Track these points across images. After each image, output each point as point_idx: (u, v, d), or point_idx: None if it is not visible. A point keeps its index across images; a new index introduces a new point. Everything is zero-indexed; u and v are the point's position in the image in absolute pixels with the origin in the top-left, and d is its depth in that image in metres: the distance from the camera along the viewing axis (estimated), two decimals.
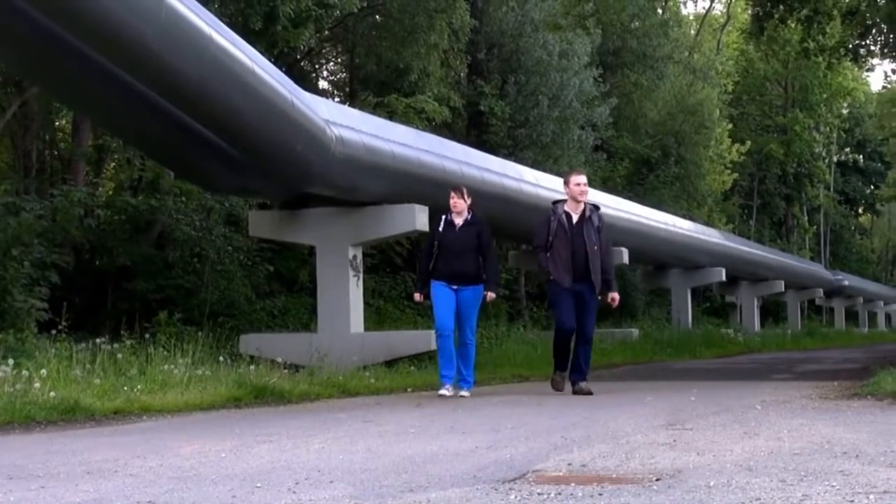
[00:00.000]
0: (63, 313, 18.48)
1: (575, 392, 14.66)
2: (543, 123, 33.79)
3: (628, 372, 21.25)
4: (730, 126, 53.96)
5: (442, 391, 14.84)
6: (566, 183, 15.35)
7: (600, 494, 5.58)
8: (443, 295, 15.16)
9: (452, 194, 15.53)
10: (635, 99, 43.79)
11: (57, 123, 29.19)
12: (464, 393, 14.97)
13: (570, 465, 6.87)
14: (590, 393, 14.52)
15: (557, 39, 34.05)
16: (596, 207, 15.37)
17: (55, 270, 21.20)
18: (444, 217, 15.53)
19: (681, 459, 7.00)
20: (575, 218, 14.90)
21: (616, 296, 15.27)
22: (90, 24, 13.86)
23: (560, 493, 5.62)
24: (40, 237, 21.06)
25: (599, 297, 15.19)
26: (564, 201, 15.21)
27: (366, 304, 21.49)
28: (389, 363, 19.82)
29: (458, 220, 15.33)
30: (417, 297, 15.84)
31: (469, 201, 15.50)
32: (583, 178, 15.16)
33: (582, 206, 15.01)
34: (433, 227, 15.84)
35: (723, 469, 6.50)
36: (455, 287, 15.17)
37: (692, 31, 55.32)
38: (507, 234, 26.82)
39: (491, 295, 15.46)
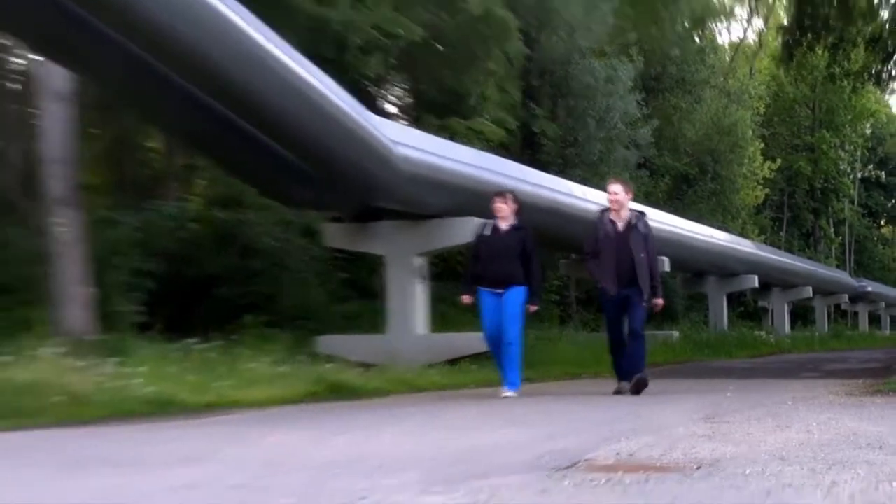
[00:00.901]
0: (158, 317, 18.63)
1: (632, 384, 13.69)
2: (591, 143, 33.75)
3: (670, 370, 21.16)
4: (762, 145, 53.59)
5: (505, 393, 13.91)
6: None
7: (646, 481, 5.56)
8: (489, 304, 14.25)
9: (496, 198, 14.59)
10: (675, 120, 43.59)
11: (151, 145, 29.37)
12: (508, 393, 13.90)
13: (618, 454, 6.85)
14: (645, 385, 13.72)
15: (603, 66, 33.98)
16: (642, 214, 14.44)
17: (151, 278, 21.34)
18: (489, 222, 14.60)
19: (719, 450, 6.97)
20: (620, 226, 13.94)
21: (660, 302, 14.31)
22: (181, 56, 14.00)
23: (609, 480, 5.61)
24: (137, 248, 21.22)
25: (644, 304, 14.03)
26: (609, 210, 14.21)
27: (430, 308, 21.49)
28: (452, 362, 19.82)
29: (503, 225, 14.35)
30: (465, 299, 14.81)
31: (514, 206, 14.49)
32: (616, 188, 14.23)
33: (626, 213, 14.08)
34: (477, 232, 14.87)
35: (757, 458, 6.47)
36: (500, 291, 14.16)
37: (727, 58, 54.95)
38: (558, 245, 26.79)
39: (533, 308, 14.51)
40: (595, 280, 14.52)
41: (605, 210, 14.27)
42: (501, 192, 14.83)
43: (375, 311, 23.45)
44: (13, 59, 24.06)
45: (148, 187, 28.25)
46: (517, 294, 14.15)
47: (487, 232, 14.43)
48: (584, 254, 14.70)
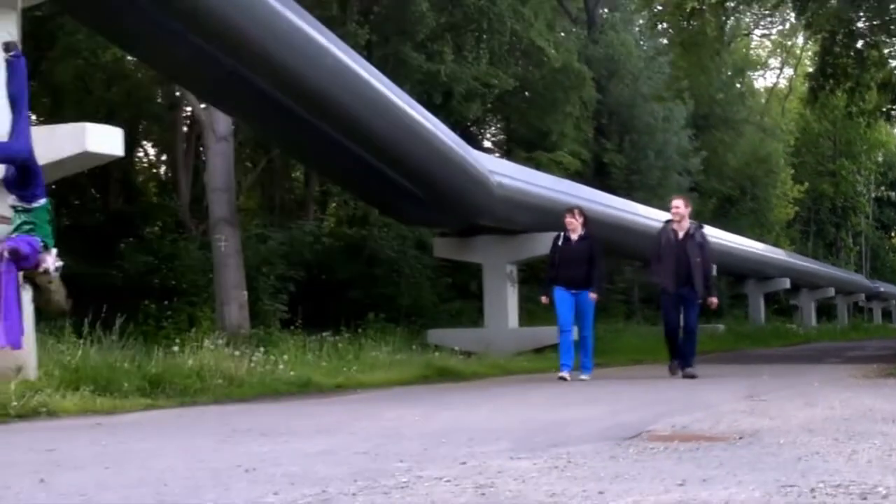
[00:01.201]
0: (298, 314, 18.76)
1: (683, 376, 13.39)
2: (651, 171, 33.51)
3: (716, 358, 20.86)
4: (792, 171, 52.97)
5: (561, 374, 13.61)
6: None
7: (697, 449, 5.50)
8: (563, 298, 13.93)
9: (567, 214, 14.38)
10: (720, 151, 43.11)
11: (293, 174, 29.63)
12: (584, 377, 13.68)
13: (673, 426, 6.78)
14: (694, 377, 13.21)
15: (661, 108, 33.70)
16: (700, 226, 14.13)
17: (293, 283, 21.52)
18: (562, 234, 14.32)
19: (758, 423, 6.87)
20: (680, 235, 13.63)
21: (715, 300, 14.20)
22: (322, 106, 14.14)
23: (667, 448, 5.55)
24: (283, 259, 21.42)
25: (700, 301, 13.87)
26: (672, 221, 13.95)
27: (519, 306, 21.42)
28: (537, 350, 19.74)
29: (574, 236, 14.11)
30: (544, 299, 14.60)
31: (581, 220, 14.24)
32: (677, 202, 14.09)
33: (686, 225, 13.75)
34: (554, 241, 14.45)
35: (790, 430, 6.36)
36: (574, 291, 13.90)
37: (763, 100, 54.38)
38: (624, 255, 26.64)
39: (593, 295, 14.07)
40: (657, 280, 14.16)
41: (668, 221, 14.09)
42: (571, 209, 14.68)
43: (475, 309, 23.44)
44: (185, 108, 24.41)
45: (292, 209, 28.55)
46: (587, 296, 14.00)
47: (561, 242, 14.23)
48: (649, 257, 14.42)
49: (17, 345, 9.02)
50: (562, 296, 13.98)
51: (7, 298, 8.87)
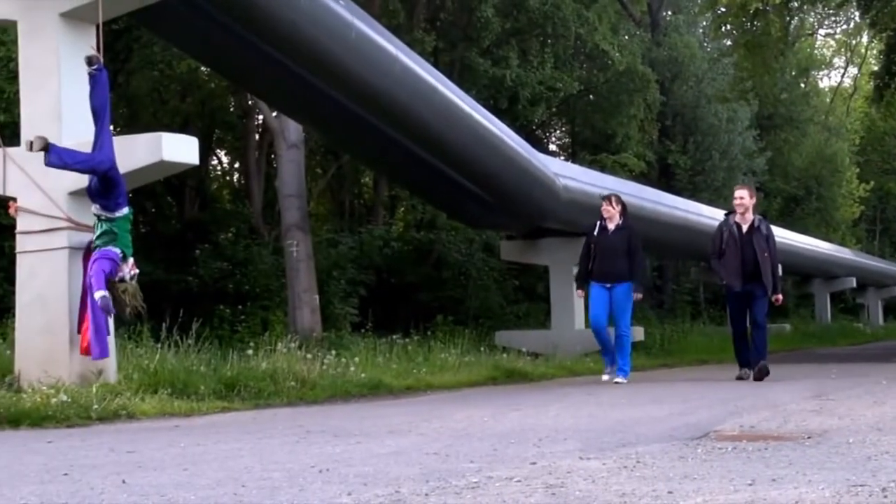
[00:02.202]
0: (369, 317, 18.84)
1: (755, 375, 12.29)
2: (715, 172, 33.20)
3: (783, 357, 20.65)
4: (857, 170, 52.22)
5: (605, 377, 13.13)
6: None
7: (766, 449, 5.46)
8: (598, 296, 13.12)
9: (604, 202, 13.53)
10: (785, 151, 42.67)
11: (362, 180, 29.78)
12: (619, 380, 12.80)
13: (741, 426, 6.73)
14: (767, 371, 12.22)
15: (725, 109, 33.38)
16: (765, 217, 13.30)
17: (363, 286, 21.63)
18: (598, 223, 13.38)
19: (826, 422, 6.80)
20: (745, 228, 12.59)
21: (780, 297, 12.88)
22: (391, 113, 14.21)
23: (735, 448, 5.51)
24: (352, 263, 21.54)
25: (766, 297, 12.61)
26: (734, 213, 12.85)
27: (586, 308, 21.35)
28: None
29: (611, 226, 13.15)
30: (580, 292, 13.95)
31: (619, 208, 13.29)
32: (741, 192, 12.89)
33: (750, 217, 12.69)
34: (588, 233, 13.56)
35: (859, 429, 6.29)
36: (609, 286, 13.00)
37: (827, 100, 53.73)
38: (689, 255, 26.47)
39: (638, 296, 13.21)
40: (720, 278, 13.04)
41: (729, 214, 13.08)
42: (607, 196, 13.78)
43: (542, 311, 23.41)
44: (257, 116, 24.62)
45: (361, 214, 28.69)
46: (626, 290, 13.07)
47: (596, 232, 13.30)
48: (710, 254, 13.19)
49: (105, 355, 9.24)
50: (597, 293, 13.21)
51: (97, 316, 9.06)
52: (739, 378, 12.71)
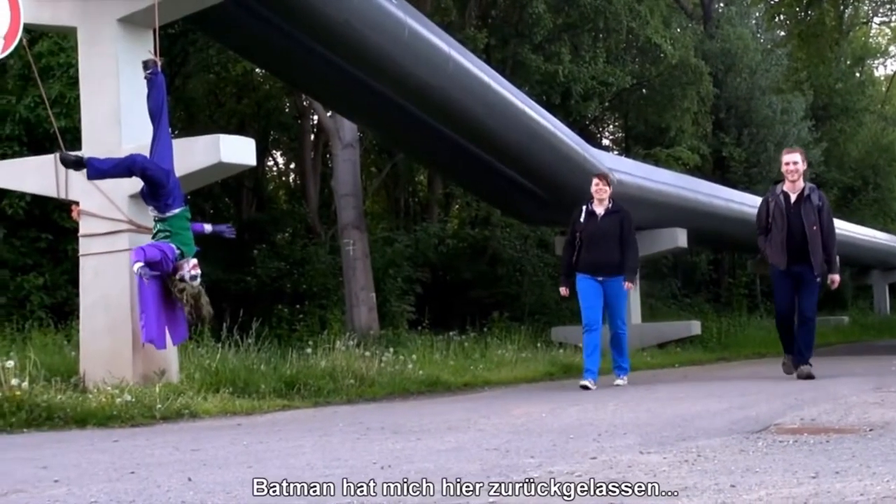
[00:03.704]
0: (425, 314, 18.89)
1: (798, 376, 10.86)
2: (771, 164, 32.90)
3: (842, 349, 20.49)
4: None
5: (584, 382, 11.02)
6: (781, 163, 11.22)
7: (827, 441, 5.41)
8: (588, 288, 11.31)
9: (596, 180, 11.70)
10: (840, 142, 42.19)
11: (417, 178, 29.85)
12: (619, 381, 11.48)
13: (802, 419, 6.67)
14: (811, 377, 10.68)
15: (779, 100, 33.10)
16: (817, 186, 11.36)
17: (419, 284, 21.68)
18: (584, 206, 11.55)
19: (888, 414, 6.71)
20: (793, 198, 10.95)
21: (836, 277, 11.10)
22: (446, 111, 14.25)
23: (796, 441, 5.46)
24: (408, 260, 21.59)
25: (819, 281, 11.02)
26: (783, 182, 11.14)
27: (641, 302, 21.26)
28: (661, 346, 19.59)
29: (600, 210, 11.40)
30: (564, 290, 11.65)
31: (611, 189, 11.65)
32: (793, 157, 11.03)
33: (800, 185, 10.98)
34: (574, 218, 11.65)
35: None
36: (600, 279, 11.29)
37: (883, 89, 53.05)
38: (745, 248, 26.30)
39: (628, 284, 11.48)
40: (766, 257, 11.29)
41: (778, 182, 11.35)
42: (602, 174, 12.22)
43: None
44: (312, 117, 24.77)
45: (416, 212, 28.76)
46: (620, 283, 11.42)
47: (583, 217, 11.47)
48: (757, 232, 11.51)
49: (158, 343, 9.27)
50: (587, 285, 11.38)
51: (144, 298, 9.14)
52: (784, 366, 11.42)
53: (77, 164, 9.27)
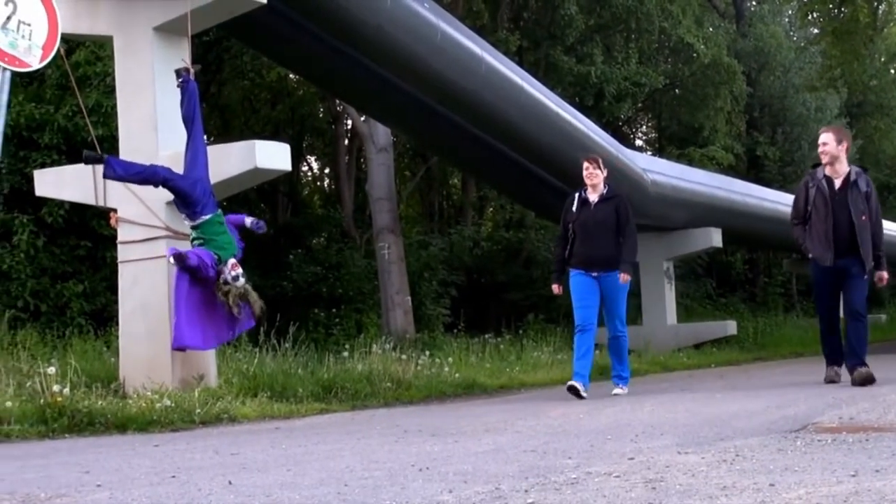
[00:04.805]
0: (460, 317, 18.90)
1: (854, 379, 9.46)
2: (805, 162, 32.67)
3: (880, 347, 20.28)
4: None
5: (573, 383, 9.94)
6: None
7: (867, 440, 5.37)
8: (582, 285, 10.07)
9: (587, 164, 10.20)
10: (875, 139, 41.88)
11: (451, 181, 29.88)
12: (617, 390, 10.34)
13: (840, 418, 6.62)
14: (870, 380, 9.35)
15: (813, 98, 32.92)
16: (864, 170, 9.87)
17: (454, 287, 21.69)
18: (576, 195, 10.24)
19: None
20: (837, 183, 9.58)
21: (884, 275, 9.80)
22: (480, 115, 14.28)
23: (835, 440, 5.43)
24: (443, 264, 21.61)
25: (866, 277, 9.65)
26: (821, 166, 9.79)
27: (677, 302, 21.20)
28: (697, 346, 19.53)
29: (593, 197, 10.09)
30: (555, 289, 10.52)
31: (605, 173, 10.17)
32: (826, 137, 9.71)
33: (845, 168, 9.65)
34: (565, 208, 10.33)
35: None
36: (595, 274, 10.03)
37: None
38: (780, 247, 26.18)
39: (624, 276, 9.99)
40: (805, 250, 9.95)
41: (818, 165, 9.94)
42: (593, 157, 10.52)
43: (633, 307, 23.23)
44: (346, 121, 24.84)
45: (450, 215, 28.80)
46: (617, 280, 10.08)
47: (576, 207, 10.19)
48: (791, 220, 10.16)
49: (191, 346, 9.34)
50: (580, 282, 10.15)
51: (175, 303, 9.23)
52: (830, 381, 9.99)
53: (98, 160, 9.34)
